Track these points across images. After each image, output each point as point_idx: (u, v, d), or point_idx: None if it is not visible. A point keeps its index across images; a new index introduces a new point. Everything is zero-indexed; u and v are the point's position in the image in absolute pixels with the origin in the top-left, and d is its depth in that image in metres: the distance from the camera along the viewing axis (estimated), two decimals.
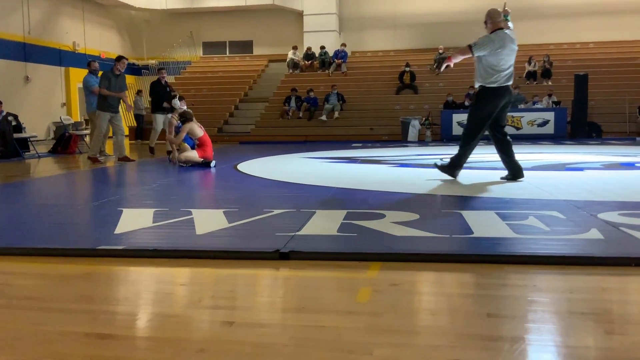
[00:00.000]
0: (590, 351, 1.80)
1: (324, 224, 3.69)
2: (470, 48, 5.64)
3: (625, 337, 1.91)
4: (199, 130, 8.29)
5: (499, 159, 5.97)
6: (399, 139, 15.50)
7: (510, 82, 5.68)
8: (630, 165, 7.55)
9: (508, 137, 5.80)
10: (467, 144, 5.82)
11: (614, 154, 9.37)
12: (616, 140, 13.61)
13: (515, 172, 5.80)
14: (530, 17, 20.50)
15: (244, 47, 23.59)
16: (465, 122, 5.95)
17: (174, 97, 10.49)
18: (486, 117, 5.66)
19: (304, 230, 3.46)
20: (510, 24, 5.77)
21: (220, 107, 18.73)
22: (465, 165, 6.00)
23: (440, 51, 19.76)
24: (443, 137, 15.51)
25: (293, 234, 3.35)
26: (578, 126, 15.01)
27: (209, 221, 3.81)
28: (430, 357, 1.77)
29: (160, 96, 10.72)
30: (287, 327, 2.06)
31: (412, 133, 15.42)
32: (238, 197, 5.18)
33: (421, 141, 15.18)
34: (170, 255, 3.03)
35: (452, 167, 5.99)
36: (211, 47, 23.84)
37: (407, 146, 13.23)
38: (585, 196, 4.66)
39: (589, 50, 20.18)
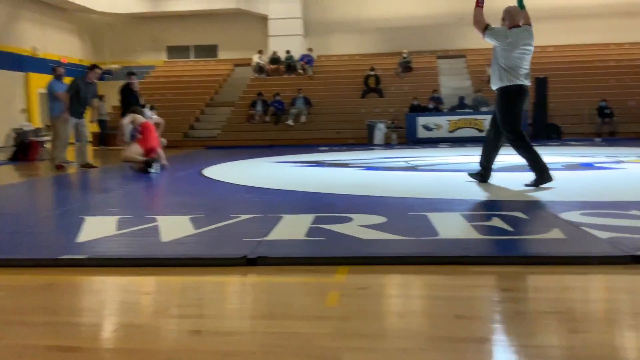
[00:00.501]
0: (555, 350, 1.83)
1: (291, 228, 3.68)
2: (485, 28, 5.46)
3: (588, 335, 1.95)
4: (141, 118, 8.13)
5: (477, 158, 5.84)
6: (365, 142, 15.61)
7: (528, 83, 5.47)
8: (589, 166, 7.76)
9: (501, 144, 5.62)
10: (523, 146, 5.41)
11: (573, 155, 9.62)
12: (575, 141, 13.99)
13: (486, 175, 5.78)
14: (491, 22, 20.88)
15: (209, 51, 23.41)
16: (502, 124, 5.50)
17: (144, 105, 10.33)
18: (518, 113, 5.43)
19: (272, 236, 3.44)
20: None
21: (185, 111, 18.53)
22: (431, 167, 6.05)
23: (405, 55, 19.99)
24: (409, 139, 15.68)
25: (260, 239, 3.33)
26: (539, 128, 15.38)
27: (174, 228, 3.76)
28: None
29: (130, 101, 10.58)
30: (255, 334, 2.04)
31: (378, 136, 15.56)
32: (204, 203, 5.12)
33: (387, 144, 15.31)
34: (135, 264, 2.97)
35: (541, 175, 5.34)
36: (175, 52, 23.58)
37: (373, 149, 13.32)
38: (547, 197, 4.77)
39: (548, 53, 20.68)
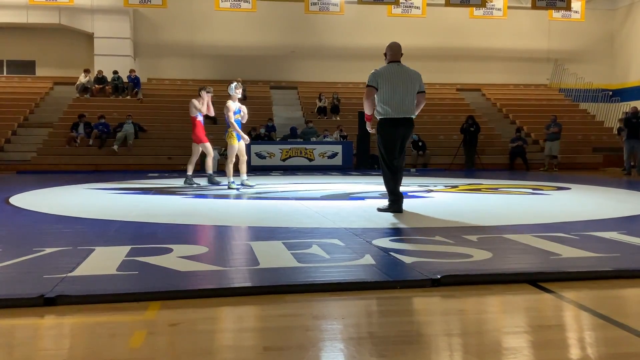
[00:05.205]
0: None
1: (102, 262, 3.42)
2: (367, 86, 5.87)
3: (386, 359, 2.06)
4: None
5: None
6: (199, 170, 15.31)
7: (406, 115, 5.77)
8: (403, 195, 8.39)
9: (398, 173, 5.94)
10: (384, 175, 5.98)
11: None
12: None
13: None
14: (320, 57, 22.08)
15: (25, 67, 21.42)
16: None
17: None
18: (386, 146, 5.82)
19: (78, 271, 3.16)
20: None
21: None
22: (260, 195, 6.05)
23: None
24: None
25: (64, 275, 3.03)
26: (362, 158, 16.44)
27: None
28: None
29: None
30: None
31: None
32: (3, 236, 4.57)
33: (221, 171, 15.18)
34: None
35: (393, 204, 5.92)
36: None
37: (205, 176, 13.09)
38: (363, 224, 5.04)
39: None
